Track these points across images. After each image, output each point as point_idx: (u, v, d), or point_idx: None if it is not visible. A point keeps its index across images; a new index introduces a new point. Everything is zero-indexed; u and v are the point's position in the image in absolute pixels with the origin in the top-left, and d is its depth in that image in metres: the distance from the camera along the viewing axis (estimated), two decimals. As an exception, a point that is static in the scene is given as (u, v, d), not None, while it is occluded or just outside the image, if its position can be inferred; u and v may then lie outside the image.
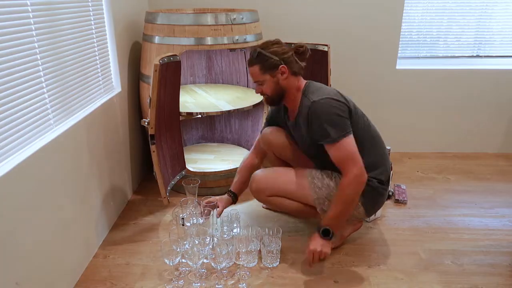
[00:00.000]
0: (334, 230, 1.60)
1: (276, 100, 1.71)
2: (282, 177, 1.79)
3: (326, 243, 1.59)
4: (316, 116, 1.58)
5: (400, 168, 2.64)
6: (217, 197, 1.89)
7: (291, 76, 1.66)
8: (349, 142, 1.57)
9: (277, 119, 1.90)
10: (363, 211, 1.73)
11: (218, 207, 1.84)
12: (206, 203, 1.82)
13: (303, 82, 1.70)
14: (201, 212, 1.80)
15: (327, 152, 1.60)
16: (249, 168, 1.92)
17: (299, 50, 1.66)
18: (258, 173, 1.83)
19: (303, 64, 1.68)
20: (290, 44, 1.69)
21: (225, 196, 1.90)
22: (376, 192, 1.71)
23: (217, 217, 1.82)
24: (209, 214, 1.79)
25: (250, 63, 1.66)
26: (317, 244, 1.59)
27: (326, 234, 1.59)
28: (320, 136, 1.59)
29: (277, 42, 1.66)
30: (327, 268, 1.72)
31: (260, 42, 2.24)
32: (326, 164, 1.69)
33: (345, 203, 1.58)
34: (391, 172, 1.81)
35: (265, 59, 1.62)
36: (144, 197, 2.29)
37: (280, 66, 1.62)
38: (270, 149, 1.90)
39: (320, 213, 1.76)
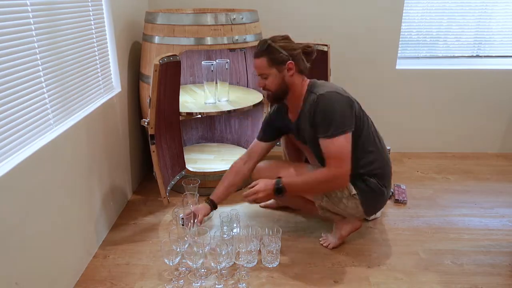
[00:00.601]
0: (288, 192, 1.63)
1: (279, 96, 1.68)
2: (284, 170, 1.78)
3: (271, 193, 1.64)
4: (320, 109, 1.56)
5: (400, 168, 2.64)
6: (195, 207, 1.82)
7: (297, 73, 1.63)
8: (345, 140, 1.54)
9: (276, 123, 1.84)
10: (362, 210, 1.72)
11: (197, 216, 1.76)
12: (186, 215, 1.76)
13: (307, 81, 1.69)
14: (182, 223, 1.74)
15: (320, 144, 1.57)
16: (235, 174, 1.86)
17: (307, 50, 1.65)
18: (262, 164, 1.86)
19: (308, 65, 1.67)
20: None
21: (203, 204, 1.83)
22: (375, 192, 1.70)
23: (199, 225, 1.73)
24: (189, 225, 1.72)
25: (257, 55, 1.62)
26: (265, 189, 1.63)
27: (278, 191, 1.63)
28: (321, 129, 1.56)
29: (286, 38, 1.64)
30: (327, 268, 1.72)
31: (260, 42, 2.24)
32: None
33: (310, 187, 1.64)
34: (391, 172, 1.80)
35: (274, 52, 1.59)
36: (144, 197, 2.29)
37: (288, 62, 1.59)
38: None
39: (318, 208, 1.76)
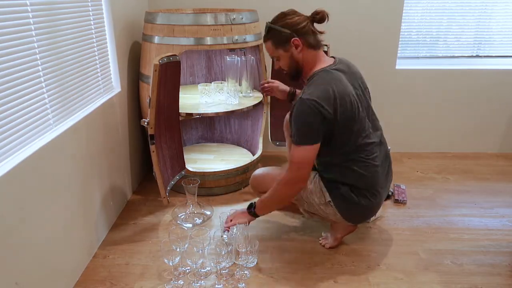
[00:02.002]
0: (258, 212, 1.71)
1: (294, 75, 1.64)
2: (271, 176, 1.77)
3: (243, 217, 1.73)
4: (293, 114, 1.53)
5: (400, 168, 2.64)
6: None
7: (308, 49, 1.56)
8: (305, 150, 1.52)
9: None
10: (340, 217, 1.68)
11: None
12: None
13: (324, 59, 1.59)
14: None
15: None
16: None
17: (315, 17, 1.56)
18: (257, 171, 1.86)
19: (323, 33, 1.58)
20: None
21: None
22: (347, 200, 1.63)
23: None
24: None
25: (264, 40, 1.63)
26: (238, 215, 1.73)
27: (249, 207, 1.73)
28: (291, 129, 1.57)
29: (289, 13, 1.57)
30: (327, 268, 1.72)
31: (259, 42, 2.24)
32: (326, 163, 1.69)
33: (272, 195, 1.65)
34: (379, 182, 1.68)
35: (276, 33, 1.56)
36: (143, 197, 2.29)
37: (293, 39, 1.54)
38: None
39: (303, 213, 1.76)
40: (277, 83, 1.96)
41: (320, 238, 1.88)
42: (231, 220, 1.76)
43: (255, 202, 1.73)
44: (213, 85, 2.29)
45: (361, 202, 1.63)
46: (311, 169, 1.58)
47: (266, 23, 1.61)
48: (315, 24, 1.59)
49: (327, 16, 1.56)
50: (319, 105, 1.47)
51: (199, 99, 2.27)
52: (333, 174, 1.66)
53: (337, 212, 1.67)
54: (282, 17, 1.57)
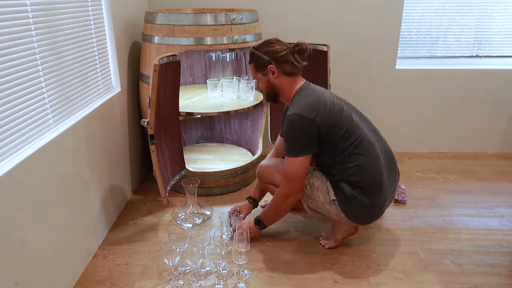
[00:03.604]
0: (265, 223, 1.81)
1: (271, 97, 1.77)
2: (278, 167, 1.79)
3: (253, 229, 1.81)
4: (284, 129, 1.64)
5: (400, 168, 2.62)
6: (239, 205, 2.00)
7: (283, 76, 1.68)
8: (298, 163, 1.61)
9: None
10: (344, 217, 1.69)
11: (241, 213, 1.92)
12: (232, 211, 1.95)
13: (299, 82, 1.70)
14: (230, 225, 1.89)
15: None
16: (266, 171, 1.92)
17: (295, 49, 1.67)
18: (263, 161, 1.91)
19: (303, 63, 1.67)
20: (291, 44, 1.69)
21: (245, 202, 2.01)
22: (351, 200, 1.64)
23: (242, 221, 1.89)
24: (234, 221, 1.87)
25: (249, 61, 1.75)
26: (250, 231, 1.73)
27: (257, 223, 1.81)
28: (285, 144, 1.65)
29: (272, 42, 1.69)
30: (327, 268, 1.72)
31: (259, 42, 2.24)
32: (325, 165, 1.70)
33: (273, 207, 1.76)
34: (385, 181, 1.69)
35: (257, 58, 1.69)
36: (143, 197, 2.29)
37: (269, 66, 1.66)
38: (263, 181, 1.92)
39: (306, 209, 1.76)
40: (244, 223, 1.86)
41: (320, 238, 1.88)
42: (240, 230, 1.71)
43: (261, 218, 1.81)
44: (223, 80, 2.34)
45: (364, 201, 1.63)
46: (303, 182, 1.68)
47: (251, 47, 1.73)
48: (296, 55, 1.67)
49: (307, 49, 1.66)
50: (303, 116, 1.57)
51: (208, 93, 2.35)
52: (334, 173, 1.68)
53: (341, 212, 1.67)
54: (265, 45, 1.70)
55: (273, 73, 1.68)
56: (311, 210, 1.76)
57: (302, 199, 1.74)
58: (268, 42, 1.69)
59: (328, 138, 1.61)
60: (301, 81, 1.71)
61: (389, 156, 1.77)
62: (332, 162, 1.66)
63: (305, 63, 1.68)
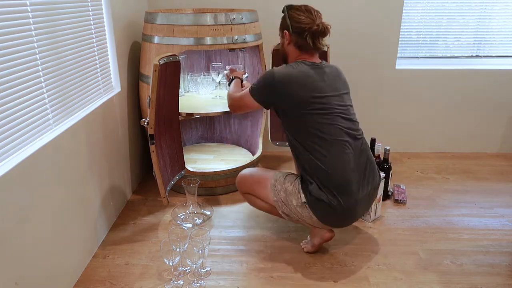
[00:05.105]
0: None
1: (282, 58, 1.81)
2: (254, 177, 1.78)
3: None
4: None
5: (399, 168, 2.64)
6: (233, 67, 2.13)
7: (293, 45, 1.69)
8: (250, 100, 1.72)
9: None
10: (316, 220, 1.64)
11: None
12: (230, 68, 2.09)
13: (307, 58, 1.68)
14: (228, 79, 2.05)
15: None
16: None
17: (313, 27, 1.62)
18: (242, 171, 1.85)
19: (318, 44, 1.64)
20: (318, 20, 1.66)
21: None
22: (319, 200, 1.59)
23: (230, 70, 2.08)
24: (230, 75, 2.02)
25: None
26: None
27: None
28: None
29: (302, 10, 1.66)
30: (327, 268, 1.72)
31: (259, 42, 2.24)
32: (298, 150, 1.66)
33: (230, 92, 1.90)
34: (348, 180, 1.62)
35: (283, 18, 1.72)
36: (143, 197, 2.29)
37: (285, 31, 1.69)
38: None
39: (282, 216, 1.73)
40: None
41: (302, 241, 1.86)
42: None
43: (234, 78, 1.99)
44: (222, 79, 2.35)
45: (331, 203, 1.58)
46: (241, 112, 1.93)
47: (285, 5, 1.73)
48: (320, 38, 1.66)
49: (325, 33, 1.65)
50: (273, 74, 1.63)
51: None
52: (306, 168, 1.63)
53: (312, 215, 1.63)
54: (296, 9, 1.68)
55: (286, 39, 1.71)
56: (286, 215, 1.72)
57: (276, 205, 1.70)
58: (299, 9, 1.67)
59: (290, 112, 1.64)
60: (310, 58, 1.68)
61: (366, 160, 1.68)
62: (302, 146, 1.63)
63: (319, 45, 1.65)
